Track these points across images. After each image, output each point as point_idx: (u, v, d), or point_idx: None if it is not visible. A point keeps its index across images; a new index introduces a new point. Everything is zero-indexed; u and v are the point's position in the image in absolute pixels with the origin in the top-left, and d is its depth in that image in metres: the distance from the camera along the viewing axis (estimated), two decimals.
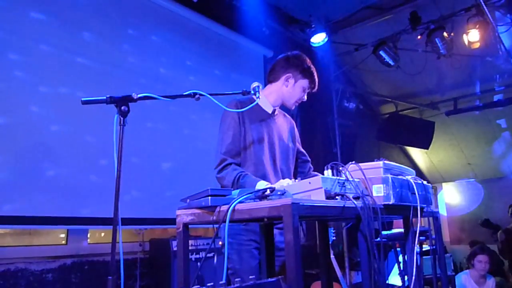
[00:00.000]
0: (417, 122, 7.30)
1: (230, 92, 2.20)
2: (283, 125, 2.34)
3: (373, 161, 1.72)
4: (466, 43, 5.29)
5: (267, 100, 2.27)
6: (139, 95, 1.62)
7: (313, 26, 5.49)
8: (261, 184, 1.87)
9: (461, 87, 6.86)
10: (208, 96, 1.77)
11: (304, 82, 2.24)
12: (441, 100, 7.30)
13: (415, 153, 8.83)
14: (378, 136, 7.41)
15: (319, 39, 5.64)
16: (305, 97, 2.27)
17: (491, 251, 4.54)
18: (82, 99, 1.59)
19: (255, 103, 2.06)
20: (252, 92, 2.03)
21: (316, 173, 2.38)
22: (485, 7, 4.85)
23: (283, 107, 2.39)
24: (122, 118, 1.57)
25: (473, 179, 8.90)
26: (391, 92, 7.44)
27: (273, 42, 5.44)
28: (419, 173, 9.02)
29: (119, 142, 1.55)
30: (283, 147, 2.26)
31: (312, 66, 2.27)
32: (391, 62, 5.74)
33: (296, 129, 2.45)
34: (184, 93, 1.77)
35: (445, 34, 5.22)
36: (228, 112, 2.16)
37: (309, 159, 2.46)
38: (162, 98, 1.68)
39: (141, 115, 3.67)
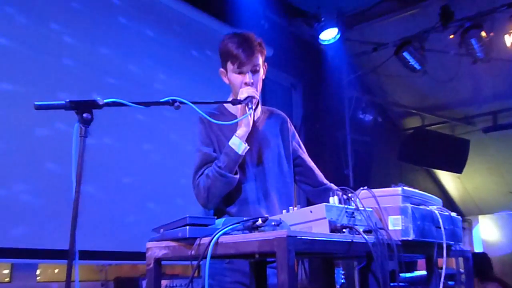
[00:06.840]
0: (447, 139, 7.35)
1: (220, 101, 2.21)
2: (270, 127, 2.31)
3: (390, 186, 1.74)
4: (509, 45, 5.37)
5: (238, 108, 2.17)
6: (105, 101, 1.58)
7: (322, 19, 5.54)
8: (235, 142, 1.99)
9: (502, 98, 6.92)
10: (190, 104, 1.75)
11: (229, 67, 2.16)
12: (478, 114, 7.36)
13: (445, 178, 8.85)
14: (400, 156, 7.44)
15: (329, 35, 5.71)
16: (248, 77, 2.14)
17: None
18: (35, 103, 1.54)
19: (244, 116, 2.01)
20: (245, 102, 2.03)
21: (332, 185, 2.34)
22: None
23: (276, 105, 2.32)
24: (83, 128, 1.55)
25: None
26: (417, 102, 7.50)
27: (273, 38, 5.41)
28: (450, 203, 9.04)
29: (79, 157, 1.53)
30: (273, 157, 2.23)
31: (227, 40, 2.16)
32: (417, 66, 5.80)
33: (290, 126, 2.40)
34: (162, 100, 1.73)
35: (483, 33, 5.29)
36: (196, 129, 2.17)
37: (312, 165, 2.40)
38: (134, 105, 1.66)
39: (103, 126, 3.69)
